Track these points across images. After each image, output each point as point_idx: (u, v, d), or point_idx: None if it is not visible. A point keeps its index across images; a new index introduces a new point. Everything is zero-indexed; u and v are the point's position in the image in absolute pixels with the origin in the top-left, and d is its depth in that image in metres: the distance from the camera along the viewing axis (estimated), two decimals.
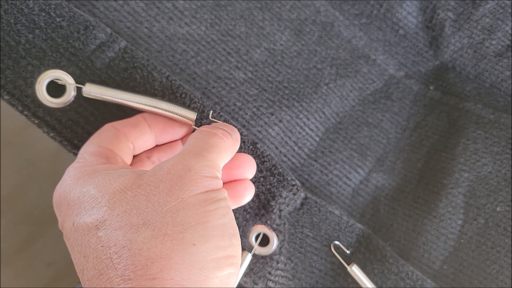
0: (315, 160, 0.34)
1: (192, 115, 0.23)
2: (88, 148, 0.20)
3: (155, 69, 0.25)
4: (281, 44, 0.34)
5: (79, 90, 0.23)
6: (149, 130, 0.22)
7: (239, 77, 0.31)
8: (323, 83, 0.34)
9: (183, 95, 0.25)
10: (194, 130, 0.23)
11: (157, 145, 0.23)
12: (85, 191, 0.18)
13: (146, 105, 0.22)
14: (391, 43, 0.38)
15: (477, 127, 0.36)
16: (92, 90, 0.22)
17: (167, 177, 0.18)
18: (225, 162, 0.20)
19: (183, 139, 0.24)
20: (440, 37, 0.38)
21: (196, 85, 0.30)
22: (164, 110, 0.22)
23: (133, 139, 0.22)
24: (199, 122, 0.26)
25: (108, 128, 0.22)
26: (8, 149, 0.43)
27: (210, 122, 0.25)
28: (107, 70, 0.24)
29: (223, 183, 0.22)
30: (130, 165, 0.22)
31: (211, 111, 0.24)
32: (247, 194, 0.24)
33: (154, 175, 0.18)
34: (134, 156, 0.23)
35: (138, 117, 0.22)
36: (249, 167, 0.24)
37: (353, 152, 0.35)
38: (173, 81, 0.25)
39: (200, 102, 0.26)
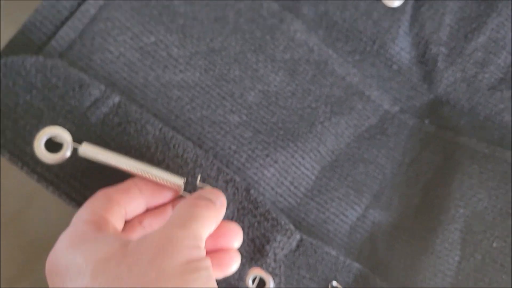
0: (312, 199, 0.34)
1: (180, 181, 0.23)
2: (82, 215, 0.21)
3: (148, 122, 0.25)
4: (275, 85, 0.34)
5: (75, 147, 0.24)
6: (140, 195, 0.23)
7: (233, 120, 0.32)
8: (317, 122, 0.35)
9: (176, 146, 0.26)
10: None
11: (148, 209, 0.24)
12: (72, 258, 0.19)
13: (137, 169, 0.23)
14: (385, 78, 0.38)
15: (472, 161, 0.36)
16: (88, 151, 0.23)
17: (150, 247, 0.18)
18: (209, 232, 0.21)
19: (173, 202, 0.24)
20: (433, 71, 0.38)
21: (191, 131, 0.30)
22: (153, 175, 0.23)
23: (125, 205, 0.22)
24: (192, 171, 0.26)
25: (101, 195, 0.22)
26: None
27: (198, 187, 0.25)
28: (102, 126, 0.25)
29: (209, 252, 0.22)
30: (122, 231, 0.23)
31: (199, 176, 0.25)
32: (233, 263, 0.24)
33: (138, 245, 0.19)
34: (126, 222, 0.23)
35: (129, 182, 0.23)
36: (235, 236, 0.24)
37: (349, 189, 0.35)
38: (166, 133, 0.26)
39: (193, 151, 0.26)
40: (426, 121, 0.38)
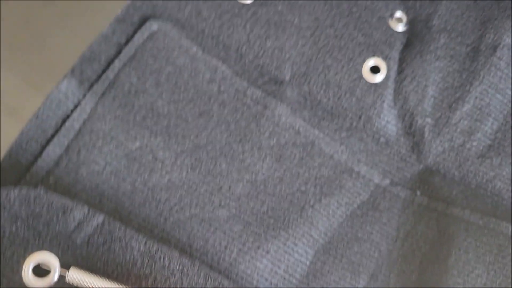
0: (307, 285, 0.34)
1: None
2: None
3: (133, 238, 0.26)
4: (263, 173, 0.35)
5: (62, 274, 0.25)
6: None
7: (223, 215, 0.32)
8: (308, 205, 0.35)
9: (162, 258, 0.26)
10: None
11: None
12: None
13: None
14: (373, 152, 0.39)
15: (467, 234, 0.35)
16: (74, 278, 0.24)
17: None
18: None
19: None
20: (421, 142, 0.38)
21: (180, 232, 0.31)
22: None
23: None
24: (179, 282, 0.26)
25: None
26: None
27: None
28: (87, 246, 0.25)
29: None
30: None
31: None
32: None
33: None
34: None
35: None
36: None
37: (345, 271, 0.35)
38: (150, 247, 0.26)
39: (179, 261, 0.27)
40: (418, 193, 0.38)
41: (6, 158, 0.26)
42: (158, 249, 0.26)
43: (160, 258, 0.26)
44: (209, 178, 0.33)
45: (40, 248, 0.25)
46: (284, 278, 0.33)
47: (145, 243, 0.26)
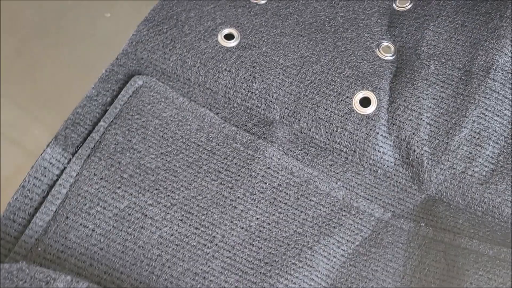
0: None
1: None
2: None
3: None
4: (257, 219, 0.34)
5: None
6: None
7: (217, 267, 0.32)
8: (306, 247, 0.34)
9: None
10: None
11: None
12: None
13: None
14: (372, 185, 0.38)
15: (478, 267, 0.34)
16: None
17: None
18: None
19: None
20: (421, 171, 0.37)
21: None
22: None
23: None
24: None
25: None
26: None
27: None
28: None
29: None
30: None
31: None
32: None
33: None
34: None
35: None
36: None
37: None
38: None
39: None
40: (423, 224, 0.37)
41: None
42: None
43: None
44: (201, 230, 0.32)
45: None
46: None
47: None
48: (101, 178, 0.31)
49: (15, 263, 0.25)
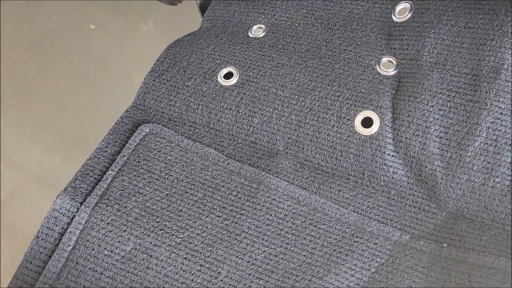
0: None
1: None
2: None
3: None
4: (264, 251, 0.34)
5: None
6: None
7: None
8: (315, 277, 0.33)
9: None
10: None
11: None
12: None
13: None
14: (386, 207, 0.36)
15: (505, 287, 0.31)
16: None
17: None
18: None
19: None
20: (436, 188, 0.35)
21: None
22: None
23: None
24: None
25: None
26: None
27: None
28: None
29: None
30: None
31: None
32: None
33: None
34: None
35: None
36: None
37: None
38: None
39: None
40: (445, 245, 0.34)
41: (13, 280, 0.30)
42: None
43: None
44: (206, 266, 0.33)
45: None
46: None
47: None
48: (108, 223, 0.33)
49: None
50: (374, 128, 0.36)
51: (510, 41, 0.35)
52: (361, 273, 0.34)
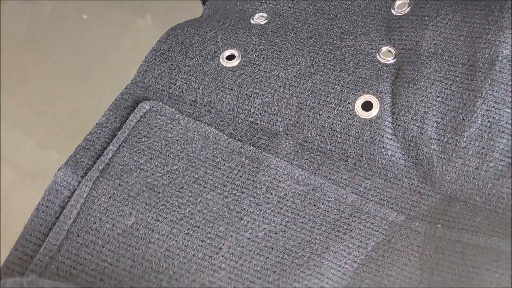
0: None
1: None
2: None
3: None
4: (264, 229, 0.35)
5: None
6: None
7: (224, 277, 0.32)
8: (314, 255, 0.34)
9: None
10: None
11: None
12: None
13: None
14: (382, 189, 0.37)
15: (498, 265, 0.32)
16: None
17: None
18: None
19: None
20: (432, 171, 0.36)
21: None
22: None
23: None
24: None
25: None
26: None
27: None
28: None
29: None
30: None
31: None
32: None
33: None
34: None
35: None
36: None
37: None
38: None
39: None
40: (439, 225, 0.35)
41: (12, 252, 0.29)
42: None
43: None
44: (207, 242, 0.33)
45: None
46: None
47: None
48: (109, 197, 0.33)
49: (27, 276, 0.27)
50: (374, 111, 0.37)
51: (504, 35, 0.36)
52: (358, 251, 0.35)
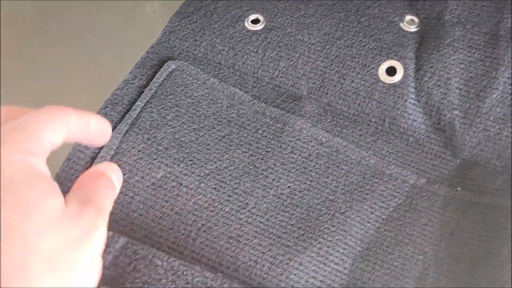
0: None
1: None
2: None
3: (155, 256, 0.27)
4: (289, 187, 0.35)
5: None
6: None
7: (251, 231, 0.33)
8: (338, 213, 0.35)
9: (184, 273, 0.27)
10: None
11: None
12: None
13: None
14: (404, 153, 0.38)
15: None
16: None
17: None
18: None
19: None
20: (453, 136, 0.37)
21: (209, 251, 0.32)
22: None
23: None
24: None
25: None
26: None
27: None
28: (115, 267, 0.27)
29: None
30: None
31: None
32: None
33: None
34: None
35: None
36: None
37: (388, 277, 0.34)
38: (173, 263, 0.27)
39: (201, 275, 0.27)
40: (459, 188, 0.36)
41: None
42: (180, 265, 0.27)
43: (183, 273, 0.27)
44: (234, 197, 0.34)
45: None
46: None
47: (167, 259, 0.27)
48: (139, 151, 0.33)
49: None
50: (398, 77, 0.38)
51: None
52: (380, 211, 0.36)
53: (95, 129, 0.25)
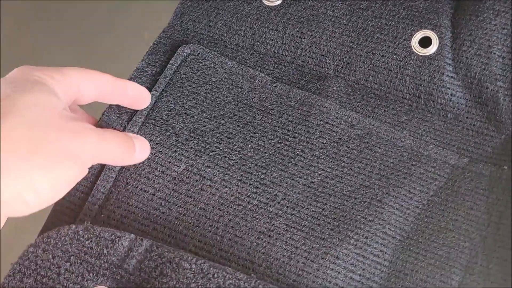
0: None
1: None
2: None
3: (183, 258, 0.25)
4: (319, 174, 0.32)
5: None
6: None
7: (282, 225, 0.30)
8: (375, 200, 0.32)
9: (215, 275, 0.25)
10: None
11: None
12: None
13: None
14: (442, 131, 0.35)
15: None
16: None
17: None
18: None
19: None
20: (497, 110, 0.34)
21: (239, 248, 0.29)
22: None
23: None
24: None
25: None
26: None
27: None
28: (140, 273, 0.25)
29: None
30: None
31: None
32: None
33: None
34: None
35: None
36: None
37: (432, 267, 0.31)
38: (202, 265, 0.25)
39: (233, 277, 0.25)
40: (505, 167, 0.33)
41: (59, 200, 0.27)
42: (210, 267, 0.25)
43: (213, 276, 0.25)
44: (262, 189, 0.31)
45: (95, 282, 0.25)
46: (363, 284, 0.30)
47: (196, 261, 0.25)
48: (157, 143, 0.31)
49: (81, 223, 0.25)
50: (433, 48, 0.34)
51: None
52: (420, 196, 0.33)
53: (133, 93, 0.30)
